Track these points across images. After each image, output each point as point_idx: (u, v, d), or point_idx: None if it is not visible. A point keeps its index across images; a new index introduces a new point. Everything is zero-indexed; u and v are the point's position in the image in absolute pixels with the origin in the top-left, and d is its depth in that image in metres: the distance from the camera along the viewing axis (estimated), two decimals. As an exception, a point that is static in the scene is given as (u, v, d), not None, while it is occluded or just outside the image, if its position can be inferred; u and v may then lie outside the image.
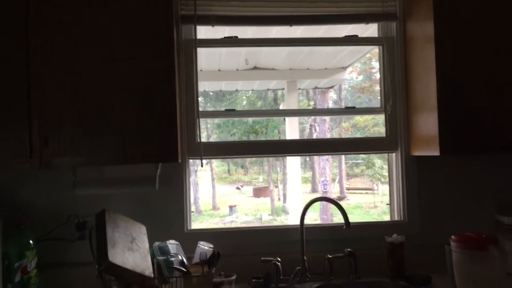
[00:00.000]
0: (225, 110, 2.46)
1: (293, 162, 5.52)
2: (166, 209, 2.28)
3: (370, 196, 17.20)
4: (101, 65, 1.90)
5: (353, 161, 21.55)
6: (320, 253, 2.24)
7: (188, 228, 2.32)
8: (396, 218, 2.46)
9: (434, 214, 2.41)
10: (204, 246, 2.02)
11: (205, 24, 2.37)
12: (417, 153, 2.34)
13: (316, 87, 5.84)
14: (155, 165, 2.13)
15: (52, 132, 1.86)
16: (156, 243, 1.98)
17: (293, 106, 5.63)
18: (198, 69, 4.85)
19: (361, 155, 17.11)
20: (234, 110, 2.45)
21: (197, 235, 2.28)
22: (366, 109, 2.76)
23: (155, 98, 1.93)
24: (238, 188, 20.38)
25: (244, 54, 4.47)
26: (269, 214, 15.11)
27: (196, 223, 14.66)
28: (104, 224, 1.83)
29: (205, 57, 4.46)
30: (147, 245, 1.96)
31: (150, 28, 1.93)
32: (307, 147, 2.48)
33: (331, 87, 5.64)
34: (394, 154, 2.46)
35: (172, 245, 1.99)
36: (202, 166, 2.31)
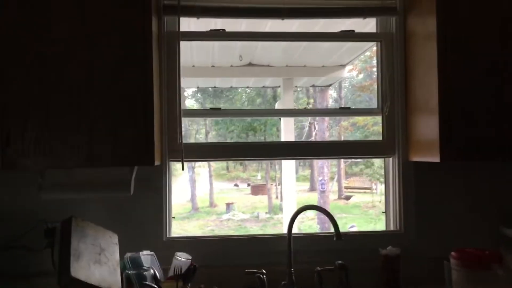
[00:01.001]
0: (210, 108, 2.28)
1: (288, 162, 5.34)
2: (144, 215, 2.11)
3: (369, 196, 17.10)
4: (72, 53, 1.73)
5: (352, 160, 21.43)
6: (309, 265, 2.08)
7: (168, 235, 2.15)
8: (391, 228, 2.29)
9: (432, 224, 2.24)
10: (181, 258, 1.85)
11: (189, 15, 2.19)
12: (415, 158, 2.17)
13: (313, 85, 5.66)
14: (130, 168, 1.95)
15: (16, 128, 1.69)
16: (128, 254, 1.81)
17: (289, 104, 5.45)
18: (190, 64, 4.77)
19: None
20: (219, 108, 2.27)
21: (176, 244, 2.11)
22: (362, 110, 2.59)
23: (129, 93, 1.76)
24: (236, 185, 20.30)
25: (239, 49, 4.29)
26: (266, 212, 14.98)
27: (192, 221, 14.56)
28: (70, 233, 1.66)
29: (197, 52, 4.29)
30: (117, 256, 1.79)
31: (126, 17, 1.76)
32: (300, 150, 2.30)
33: (329, 85, 5.47)
34: (391, 158, 2.29)
35: (145, 256, 1.83)
36: (183, 169, 2.14)
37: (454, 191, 2.26)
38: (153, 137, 1.79)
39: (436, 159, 1.92)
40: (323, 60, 4.85)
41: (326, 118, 13.54)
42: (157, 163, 1.96)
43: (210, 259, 2.11)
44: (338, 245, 2.02)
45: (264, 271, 2.00)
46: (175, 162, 2.21)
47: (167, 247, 2.09)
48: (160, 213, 2.12)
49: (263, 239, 2.21)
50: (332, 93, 16.93)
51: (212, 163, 19.19)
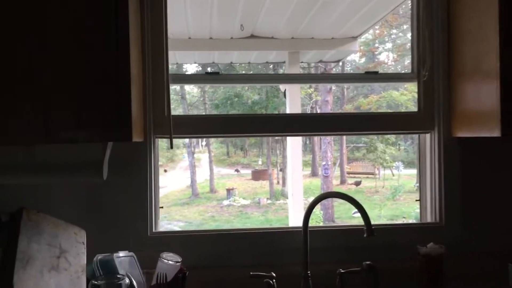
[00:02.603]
0: (206, 73, 1.84)
1: (294, 143, 4.89)
2: (123, 205, 1.69)
3: (371, 181, 16.77)
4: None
5: (354, 144, 21.06)
6: (330, 266, 1.67)
7: (153, 230, 1.73)
8: (429, 220, 1.87)
9: (481, 215, 1.83)
10: (168, 261, 1.44)
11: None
12: (461, 133, 1.74)
13: (320, 61, 5.19)
14: (102, 146, 1.52)
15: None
16: (98, 257, 1.39)
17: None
18: (186, 36, 4.31)
19: (363, 138, 16.68)
20: (217, 73, 1.84)
21: (165, 240, 1.71)
22: (392, 74, 2.18)
23: (96, 52, 1.32)
24: (237, 170, 20.02)
25: (239, 18, 3.83)
26: (267, 198, 14.66)
27: (192, 207, 14.23)
28: (17, 231, 1.24)
29: (193, 22, 3.83)
30: (83, 260, 1.37)
31: None
32: (310, 124, 1.86)
33: (338, 60, 5.01)
34: (428, 134, 1.86)
35: (122, 259, 1.41)
36: (171, 147, 1.71)
37: (509, 174, 1.83)
38: (129, 105, 1.36)
39: (494, 133, 1.50)
40: (333, 31, 4.39)
41: (330, 101, 13.07)
42: (138, 139, 1.54)
43: (206, 259, 1.71)
44: (364, 242, 1.60)
45: (274, 274, 1.59)
46: (163, 139, 1.78)
47: (153, 245, 1.68)
48: (143, 203, 1.70)
49: (272, 234, 1.79)
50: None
51: (212, 148, 18.90)
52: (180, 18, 3.73)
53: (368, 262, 1.60)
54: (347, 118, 1.91)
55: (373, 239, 1.53)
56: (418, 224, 1.88)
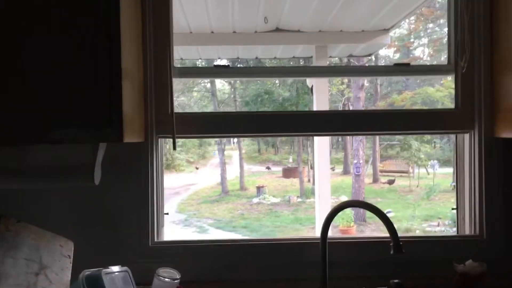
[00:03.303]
0: (214, 66, 1.66)
1: (321, 140, 4.66)
2: (121, 213, 1.53)
3: (405, 180, 16.31)
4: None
5: (388, 142, 20.56)
6: (352, 283, 1.49)
7: (156, 239, 1.57)
8: (467, 232, 1.64)
9: (529, 227, 1.58)
10: (165, 278, 1.27)
11: None
12: (505, 134, 1.51)
13: (350, 55, 4.94)
14: (94, 147, 1.36)
15: None
16: (85, 273, 1.23)
17: (323, 80, 4.75)
18: (208, 31, 4.15)
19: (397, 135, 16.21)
20: (227, 66, 1.65)
21: (166, 251, 1.54)
22: (425, 67, 1.92)
23: (85, 41, 1.17)
24: (268, 168, 19.92)
25: (262, 10, 3.64)
26: (297, 196, 14.45)
27: (222, 204, 14.16)
28: (-9, 243, 1.10)
29: (213, 15, 3.67)
30: (67, 276, 1.22)
31: None
32: (338, 123, 1.64)
33: (369, 55, 4.74)
34: (467, 134, 1.63)
35: (113, 275, 1.25)
36: (174, 148, 1.55)
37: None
38: (119, 102, 1.20)
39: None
40: (363, 24, 4.14)
41: (362, 98, 12.71)
42: (136, 139, 1.39)
43: (211, 273, 1.53)
44: (392, 256, 1.39)
45: (288, 292, 1.40)
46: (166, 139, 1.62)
47: (155, 256, 1.53)
48: (144, 209, 1.54)
49: (286, 246, 1.60)
50: (367, 72, 16.01)
51: (243, 145, 18.77)
52: (201, 11, 3.58)
53: (396, 280, 1.39)
54: (377, 116, 1.68)
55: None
56: (454, 237, 1.65)
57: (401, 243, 1.28)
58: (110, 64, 1.19)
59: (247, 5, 3.54)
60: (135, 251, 1.52)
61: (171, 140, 1.56)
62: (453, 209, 1.73)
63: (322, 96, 4.58)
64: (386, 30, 4.28)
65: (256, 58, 4.82)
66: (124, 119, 1.22)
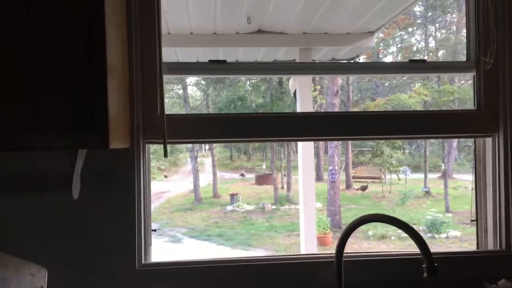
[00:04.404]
0: (209, 61, 1.46)
1: (306, 148, 4.50)
2: (103, 231, 1.31)
3: (378, 185, 16.41)
4: None
5: (360, 148, 20.69)
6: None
7: (143, 261, 1.35)
8: (490, 246, 1.48)
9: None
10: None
11: None
12: (535, 137, 1.36)
13: (333, 59, 4.82)
14: (72, 155, 1.13)
15: None
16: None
17: (306, 82, 4.60)
18: (188, 31, 3.94)
19: (369, 141, 16.28)
20: (224, 61, 1.45)
21: (156, 275, 1.32)
22: (444, 63, 1.75)
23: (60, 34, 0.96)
24: (242, 175, 19.78)
25: (245, 10, 3.46)
26: (272, 204, 14.31)
27: (195, 212, 13.86)
28: None
29: (195, 15, 3.46)
30: (39, 313, 0.99)
31: None
32: (326, 127, 1.45)
33: (352, 58, 4.63)
34: (490, 138, 1.48)
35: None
36: (165, 155, 1.33)
37: None
38: (104, 101, 0.99)
39: None
40: (348, 26, 4.01)
41: (337, 104, 12.67)
42: (121, 145, 1.17)
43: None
44: (413, 275, 1.21)
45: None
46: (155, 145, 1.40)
47: (142, 280, 1.30)
48: (130, 226, 1.32)
49: (294, 264, 1.40)
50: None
51: (215, 152, 18.52)
52: (181, 10, 3.37)
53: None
54: (375, 118, 1.49)
55: (419, 271, 1.15)
56: (476, 253, 1.49)
57: (436, 264, 1.10)
58: (92, 55, 0.98)
59: (229, 5, 3.35)
60: (120, 276, 1.30)
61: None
62: (472, 220, 1.57)
63: (306, 100, 4.42)
64: (371, 33, 4.16)
65: (237, 61, 4.63)
66: (110, 122, 1.01)
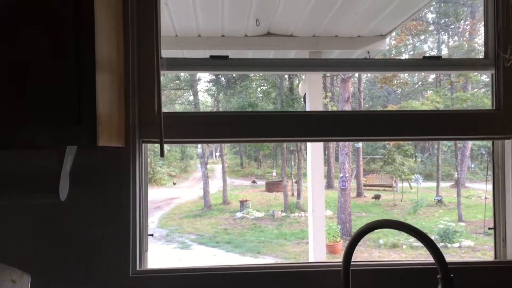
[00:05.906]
0: (211, 57, 1.39)
1: (315, 153, 4.41)
2: (94, 235, 1.23)
3: (389, 194, 16.22)
4: None
5: (371, 156, 20.52)
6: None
7: (138, 268, 1.27)
8: (510, 257, 1.38)
9: None
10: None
11: None
12: (559, 139, 1.26)
13: (344, 62, 4.74)
14: (59, 153, 1.06)
15: None
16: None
17: (317, 85, 4.50)
18: (195, 33, 3.88)
19: (381, 150, 16.09)
20: (227, 57, 1.38)
21: (151, 282, 1.24)
22: (460, 60, 1.67)
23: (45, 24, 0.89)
24: (254, 182, 19.74)
25: (254, 12, 3.40)
26: (282, 211, 14.19)
27: (204, 219, 13.79)
28: None
29: (202, 17, 3.41)
30: (18, 324, 0.91)
31: None
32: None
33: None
34: (510, 141, 1.38)
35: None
36: (162, 155, 1.26)
37: None
38: (93, 95, 0.92)
39: None
40: (359, 29, 3.93)
41: (349, 107, 12.55)
42: (115, 143, 1.10)
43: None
44: (425, 285, 1.11)
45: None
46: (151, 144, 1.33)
47: (137, 287, 1.22)
48: (124, 230, 1.24)
49: (299, 273, 1.31)
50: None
51: (225, 158, 18.47)
52: (188, 12, 3.32)
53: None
54: (390, 118, 1.40)
55: (434, 283, 1.05)
56: (495, 263, 1.39)
57: (452, 275, 1.01)
58: (80, 45, 0.92)
59: (237, 7, 3.30)
60: (112, 284, 1.22)
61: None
62: (490, 228, 1.47)
63: (316, 103, 4.33)
64: (383, 36, 4.08)
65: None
66: (99, 117, 0.93)
